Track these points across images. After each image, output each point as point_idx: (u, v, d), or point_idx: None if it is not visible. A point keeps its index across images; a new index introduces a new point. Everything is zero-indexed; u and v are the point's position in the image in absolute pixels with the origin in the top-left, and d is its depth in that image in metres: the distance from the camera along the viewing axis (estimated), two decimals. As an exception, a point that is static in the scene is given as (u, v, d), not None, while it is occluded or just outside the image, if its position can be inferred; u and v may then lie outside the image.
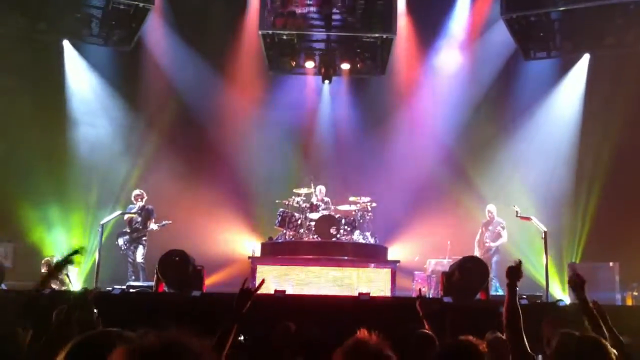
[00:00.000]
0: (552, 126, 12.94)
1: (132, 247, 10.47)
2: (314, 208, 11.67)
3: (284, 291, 8.64)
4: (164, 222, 10.50)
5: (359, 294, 8.84)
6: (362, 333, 2.79)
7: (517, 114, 13.26)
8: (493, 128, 13.28)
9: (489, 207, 11.37)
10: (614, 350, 3.09)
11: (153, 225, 10.45)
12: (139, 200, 10.61)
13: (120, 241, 10.52)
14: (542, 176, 12.57)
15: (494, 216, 11.30)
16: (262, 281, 3.64)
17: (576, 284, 4.04)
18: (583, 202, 12.29)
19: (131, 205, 10.69)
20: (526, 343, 3.61)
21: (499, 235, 11.18)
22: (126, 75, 13.16)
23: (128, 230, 10.53)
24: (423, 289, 7.67)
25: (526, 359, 3.52)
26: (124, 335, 1.97)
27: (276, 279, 10.33)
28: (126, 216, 10.50)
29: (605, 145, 12.00)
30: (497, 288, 10.22)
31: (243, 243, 12.59)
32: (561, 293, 11.08)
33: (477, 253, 10.95)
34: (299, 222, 11.48)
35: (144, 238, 10.51)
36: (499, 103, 13.37)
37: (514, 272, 3.85)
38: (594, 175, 12.15)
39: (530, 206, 11.14)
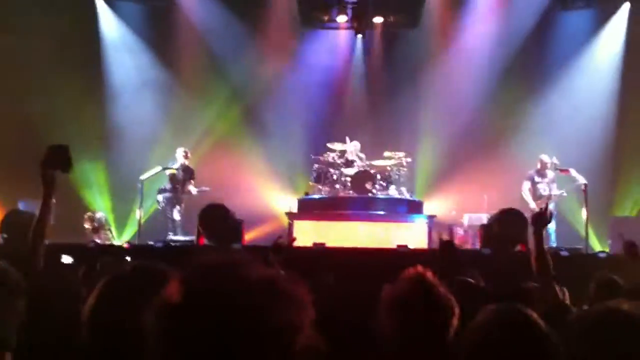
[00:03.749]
0: (591, 79, 12.62)
1: (170, 205, 10.60)
2: (348, 164, 11.65)
3: (324, 244, 8.73)
4: (202, 188, 10.58)
5: (397, 246, 8.91)
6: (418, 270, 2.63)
7: (554, 66, 12.94)
8: (528, 81, 12.99)
9: (542, 157, 10.79)
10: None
11: (192, 189, 10.53)
12: (182, 157, 10.63)
13: (160, 197, 10.66)
14: (580, 130, 12.29)
15: (547, 165, 10.70)
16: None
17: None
18: (621, 157, 12.08)
19: (173, 161, 10.70)
20: (557, 289, 3.56)
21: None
22: (158, 31, 13.13)
23: (168, 188, 10.63)
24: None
25: (558, 306, 3.45)
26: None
27: (313, 234, 10.39)
28: (167, 172, 10.52)
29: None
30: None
31: (279, 199, 12.66)
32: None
33: (532, 205, 10.40)
34: (334, 177, 11.50)
35: (182, 196, 10.63)
36: (535, 55, 13.07)
37: (540, 219, 3.75)
38: (634, 130, 11.87)
39: (568, 161, 10.93)
